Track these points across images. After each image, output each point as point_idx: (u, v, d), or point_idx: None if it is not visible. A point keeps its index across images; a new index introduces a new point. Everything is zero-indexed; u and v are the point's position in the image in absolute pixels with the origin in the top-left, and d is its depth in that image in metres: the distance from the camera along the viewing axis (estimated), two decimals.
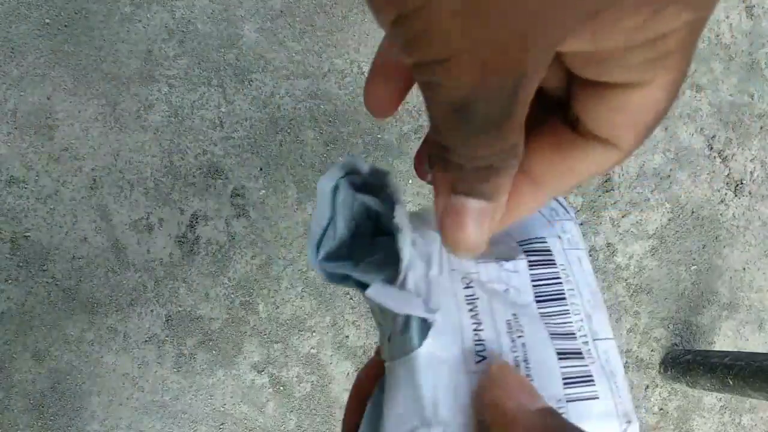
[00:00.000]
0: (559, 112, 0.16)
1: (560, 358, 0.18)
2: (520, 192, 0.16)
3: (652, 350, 1.02)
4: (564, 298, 0.20)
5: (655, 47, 0.13)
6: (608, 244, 1.00)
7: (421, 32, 0.11)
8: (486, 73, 0.12)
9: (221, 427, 0.91)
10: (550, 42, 0.12)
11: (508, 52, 0.12)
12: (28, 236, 0.88)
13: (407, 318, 0.18)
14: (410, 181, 0.94)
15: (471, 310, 0.18)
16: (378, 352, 0.21)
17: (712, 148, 1.04)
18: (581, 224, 1.00)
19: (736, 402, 1.03)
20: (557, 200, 0.23)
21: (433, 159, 0.15)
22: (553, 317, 0.19)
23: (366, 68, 0.93)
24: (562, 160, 0.16)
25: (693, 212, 1.03)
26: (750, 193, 1.05)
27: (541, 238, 0.21)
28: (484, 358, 0.18)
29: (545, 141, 0.16)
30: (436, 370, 0.18)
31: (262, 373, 0.92)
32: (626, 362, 1.01)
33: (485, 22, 0.11)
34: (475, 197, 0.15)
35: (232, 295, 0.91)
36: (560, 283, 0.20)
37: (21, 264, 0.88)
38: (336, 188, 0.20)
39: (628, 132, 0.15)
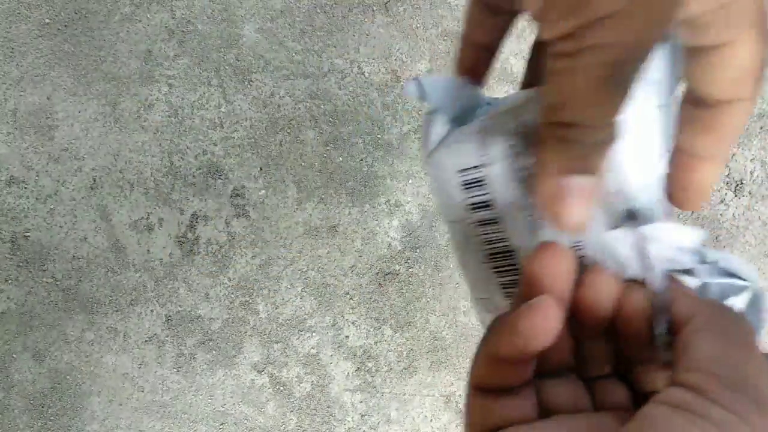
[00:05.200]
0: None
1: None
2: (702, 170, 0.18)
3: None
4: None
5: (738, 5, 0.14)
6: None
7: None
8: (645, 28, 0.13)
9: (221, 427, 0.91)
10: None
11: (663, 8, 0.13)
12: (28, 236, 0.88)
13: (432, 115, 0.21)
14: (410, 181, 0.94)
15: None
16: None
17: None
18: None
19: None
20: None
21: (544, 141, 0.16)
22: None
23: (366, 68, 0.93)
24: (708, 133, 0.18)
25: (693, 212, 1.03)
26: (750, 193, 1.05)
27: None
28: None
29: (687, 127, 0.18)
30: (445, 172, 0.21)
31: (262, 373, 0.92)
32: None
33: None
34: (586, 173, 0.16)
35: (232, 295, 0.91)
36: None
37: (21, 264, 0.88)
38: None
39: (744, 84, 0.16)
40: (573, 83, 0.14)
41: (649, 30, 0.13)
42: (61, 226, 0.88)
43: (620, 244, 0.17)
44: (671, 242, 0.17)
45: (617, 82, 0.14)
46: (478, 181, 0.20)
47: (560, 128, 0.15)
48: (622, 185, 0.17)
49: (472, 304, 0.23)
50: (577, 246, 0.18)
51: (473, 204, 0.20)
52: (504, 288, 0.21)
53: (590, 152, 0.15)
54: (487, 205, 0.20)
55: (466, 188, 0.20)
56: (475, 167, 0.20)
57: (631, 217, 0.17)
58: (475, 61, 0.22)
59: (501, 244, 0.20)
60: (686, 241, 0.17)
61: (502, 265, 0.20)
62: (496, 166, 0.19)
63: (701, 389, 0.14)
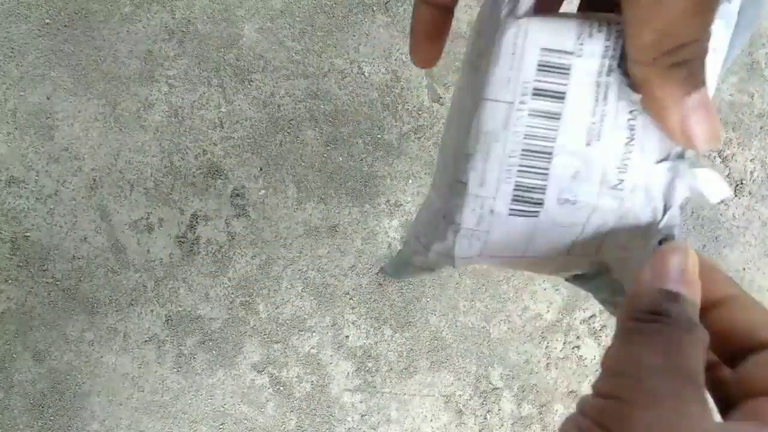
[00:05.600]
0: None
1: None
2: None
3: None
4: None
5: None
6: None
7: None
8: None
9: (221, 427, 0.91)
10: None
11: None
12: (28, 236, 0.88)
13: None
14: (410, 181, 0.94)
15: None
16: None
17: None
18: None
19: None
20: None
21: (653, 75, 0.17)
22: None
23: (366, 68, 0.93)
24: None
25: (693, 212, 1.03)
26: (750, 193, 1.05)
27: None
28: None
29: None
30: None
31: (262, 373, 0.92)
32: None
33: None
34: (701, 87, 0.17)
35: (232, 295, 0.91)
36: None
37: (21, 264, 0.88)
38: None
39: None
40: (673, 8, 0.15)
41: None
42: (61, 226, 0.88)
43: (659, 174, 0.19)
44: (697, 185, 0.19)
45: None
46: (561, 68, 0.19)
47: (667, 56, 0.16)
48: None
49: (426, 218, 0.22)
50: (622, 168, 0.19)
51: (542, 90, 0.19)
52: (516, 191, 0.20)
53: (696, 66, 0.16)
54: (557, 97, 0.19)
55: (543, 70, 0.19)
56: (565, 52, 0.19)
57: (681, 157, 0.19)
58: (434, 21, 0.21)
59: (544, 143, 0.19)
60: (714, 192, 0.19)
61: (532, 166, 0.19)
62: (587, 60, 0.19)
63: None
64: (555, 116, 0.19)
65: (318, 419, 0.93)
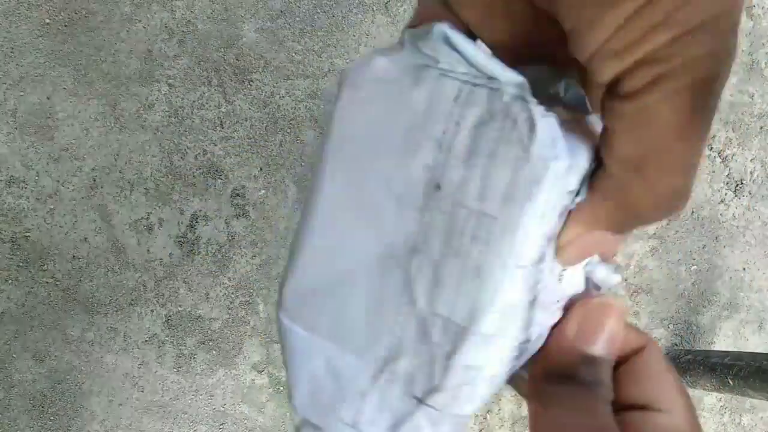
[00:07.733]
0: None
1: None
2: None
3: None
4: None
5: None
6: None
7: None
8: (732, 34, 0.12)
9: (221, 427, 0.91)
10: None
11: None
12: (28, 236, 0.88)
13: None
14: None
15: None
16: None
17: (712, 148, 1.04)
18: None
19: (736, 402, 1.03)
20: None
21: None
22: None
23: None
24: None
25: (693, 212, 1.03)
26: (750, 193, 1.05)
27: None
28: None
29: None
30: None
31: (262, 373, 0.92)
32: None
33: None
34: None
35: (232, 295, 0.91)
36: None
37: (21, 264, 0.88)
38: None
39: None
40: (657, 123, 0.12)
41: (734, 37, 0.11)
42: (61, 226, 0.88)
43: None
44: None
45: (707, 105, 0.12)
46: None
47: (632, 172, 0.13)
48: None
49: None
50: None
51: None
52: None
53: None
54: None
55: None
56: None
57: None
58: None
59: None
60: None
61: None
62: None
63: None
64: None
65: None
